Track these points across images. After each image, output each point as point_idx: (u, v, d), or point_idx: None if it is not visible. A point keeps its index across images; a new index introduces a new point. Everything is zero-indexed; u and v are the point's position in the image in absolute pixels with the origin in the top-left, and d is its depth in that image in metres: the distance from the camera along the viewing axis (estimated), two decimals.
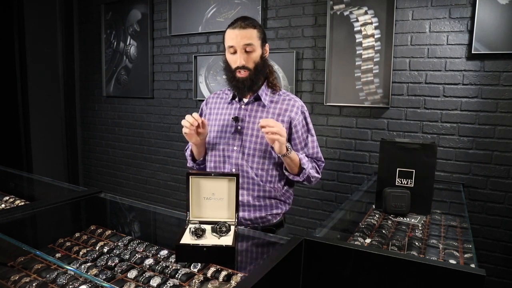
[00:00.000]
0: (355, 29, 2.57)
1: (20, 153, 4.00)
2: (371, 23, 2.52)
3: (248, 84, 1.48)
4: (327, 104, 2.72)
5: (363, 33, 2.56)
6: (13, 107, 3.92)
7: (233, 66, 1.48)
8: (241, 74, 1.47)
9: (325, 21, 2.69)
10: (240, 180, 1.52)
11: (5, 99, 3.90)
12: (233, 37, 1.45)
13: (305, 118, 1.58)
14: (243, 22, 1.46)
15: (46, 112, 4.15)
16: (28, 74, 3.92)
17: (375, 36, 2.52)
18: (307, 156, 1.59)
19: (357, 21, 2.56)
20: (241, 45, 1.44)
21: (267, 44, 1.55)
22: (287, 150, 1.42)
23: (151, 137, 3.71)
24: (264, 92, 1.55)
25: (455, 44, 2.32)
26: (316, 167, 1.62)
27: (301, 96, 2.84)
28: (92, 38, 4.04)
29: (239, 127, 1.53)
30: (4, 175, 2.14)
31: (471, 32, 2.25)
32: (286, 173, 1.55)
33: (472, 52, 2.23)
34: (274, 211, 1.59)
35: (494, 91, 2.24)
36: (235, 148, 1.53)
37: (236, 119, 1.53)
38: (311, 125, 1.61)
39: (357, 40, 2.58)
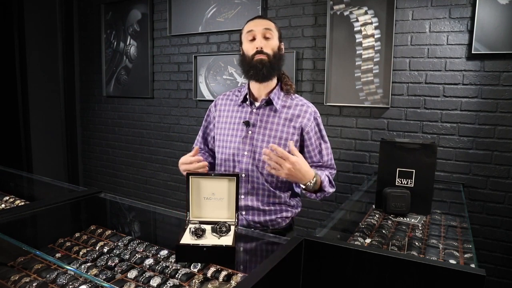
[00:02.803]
0: (355, 29, 2.57)
1: (20, 153, 4.00)
2: (371, 23, 2.52)
3: (267, 67, 1.42)
4: (327, 104, 2.72)
5: (363, 33, 2.56)
6: (13, 107, 3.92)
7: (251, 52, 1.44)
8: (260, 56, 1.42)
9: (325, 21, 2.69)
10: (249, 186, 1.50)
11: (5, 99, 3.90)
12: (253, 24, 1.45)
13: (318, 125, 1.54)
14: (261, 16, 1.51)
15: (46, 112, 4.15)
16: (28, 74, 3.92)
17: (375, 36, 2.52)
18: (321, 165, 1.54)
19: (357, 21, 2.56)
20: (260, 29, 1.43)
21: (282, 43, 1.53)
22: (309, 181, 1.36)
23: (151, 137, 3.71)
24: (277, 96, 1.50)
25: (455, 44, 2.32)
26: (331, 179, 1.54)
27: (301, 96, 2.83)
28: (92, 38, 4.04)
29: (250, 132, 1.49)
30: (4, 175, 2.14)
31: (471, 32, 2.25)
32: (303, 192, 1.51)
33: (472, 52, 2.23)
34: (284, 214, 1.57)
35: (494, 91, 2.24)
36: (245, 153, 1.49)
37: (247, 123, 1.49)
38: (324, 132, 1.56)
39: (357, 40, 2.58)
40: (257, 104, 1.51)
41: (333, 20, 2.64)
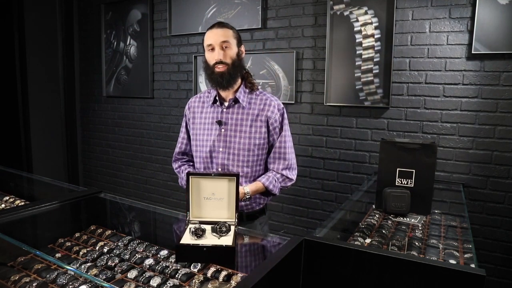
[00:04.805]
0: (355, 29, 2.57)
1: (20, 153, 4.00)
2: (371, 23, 2.52)
3: (227, 78, 1.58)
4: (327, 104, 2.72)
5: (363, 33, 2.56)
6: (13, 107, 3.92)
7: (212, 62, 1.59)
8: (219, 68, 1.57)
9: (325, 21, 2.69)
10: None
11: (5, 99, 3.90)
12: (211, 36, 1.58)
13: (281, 115, 1.68)
14: (219, 24, 1.61)
15: (46, 112, 4.15)
16: (28, 74, 3.92)
17: (375, 36, 2.52)
18: (274, 151, 1.69)
19: (357, 21, 2.56)
20: (218, 42, 1.56)
21: (242, 46, 1.67)
22: (246, 198, 1.57)
23: (151, 137, 3.71)
24: (242, 94, 1.65)
25: (455, 44, 2.32)
26: (284, 175, 1.69)
27: (301, 96, 2.84)
28: (92, 38, 4.03)
29: (223, 130, 1.64)
30: (4, 175, 2.14)
31: (471, 32, 2.25)
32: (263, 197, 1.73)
33: (472, 52, 2.23)
34: (257, 201, 1.72)
35: (494, 91, 2.24)
36: (220, 149, 1.64)
37: (219, 122, 1.65)
38: (286, 121, 1.70)
39: (357, 40, 2.58)
40: (226, 104, 1.66)
41: (333, 20, 2.64)
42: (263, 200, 1.74)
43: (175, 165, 1.84)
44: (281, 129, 1.68)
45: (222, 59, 1.57)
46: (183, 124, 1.80)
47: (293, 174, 1.73)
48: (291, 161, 1.71)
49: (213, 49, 1.58)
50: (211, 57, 1.59)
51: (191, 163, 1.81)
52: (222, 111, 1.66)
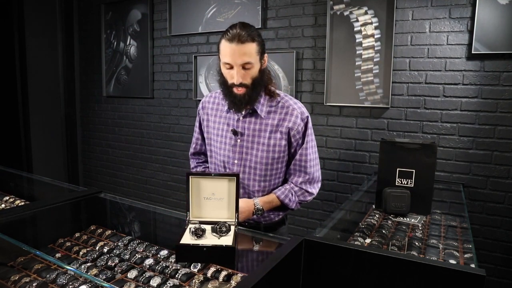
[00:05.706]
0: (355, 29, 2.57)
1: (20, 153, 4.00)
2: (371, 23, 2.52)
3: (246, 101, 1.42)
4: (327, 104, 2.72)
5: (363, 33, 2.56)
6: (13, 107, 3.92)
7: (230, 81, 1.41)
8: (239, 91, 1.40)
9: (325, 21, 2.69)
10: (241, 191, 1.51)
11: (5, 99, 3.90)
12: (230, 53, 1.36)
13: (305, 125, 1.50)
14: (241, 32, 1.34)
15: (46, 112, 4.15)
16: (28, 74, 3.92)
17: (375, 36, 2.52)
18: (294, 163, 1.53)
19: (357, 21, 2.56)
20: (238, 64, 1.36)
21: (265, 55, 1.47)
22: (257, 211, 1.45)
23: (151, 137, 3.71)
24: (261, 103, 1.48)
25: (455, 44, 2.32)
26: (304, 189, 1.54)
27: (301, 96, 2.84)
28: (92, 38, 4.04)
29: (238, 141, 1.50)
30: (4, 175, 2.14)
31: (471, 32, 2.25)
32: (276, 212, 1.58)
33: (472, 52, 2.23)
34: (276, 212, 1.60)
35: (494, 91, 2.24)
36: (235, 161, 1.51)
37: (235, 132, 1.50)
38: (309, 131, 1.52)
39: (357, 40, 2.58)
40: (243, 112, 1.49)
41: (333, 20, 2.64)
42: (282, 212, 1.61)
43: (191, 164, 1.76)
44: (303, 140, 1.50)
45: (242, 81, 1.38)
46: (197, 124, 1.68)
47: (314, 188, 1.56)
48: (313, 175, 1.54)
49: (231, 67, 1.38)
50: (229, 75, 1.40)
51: (207, 164, 1.69)
52: (238, 120, 1.50)
